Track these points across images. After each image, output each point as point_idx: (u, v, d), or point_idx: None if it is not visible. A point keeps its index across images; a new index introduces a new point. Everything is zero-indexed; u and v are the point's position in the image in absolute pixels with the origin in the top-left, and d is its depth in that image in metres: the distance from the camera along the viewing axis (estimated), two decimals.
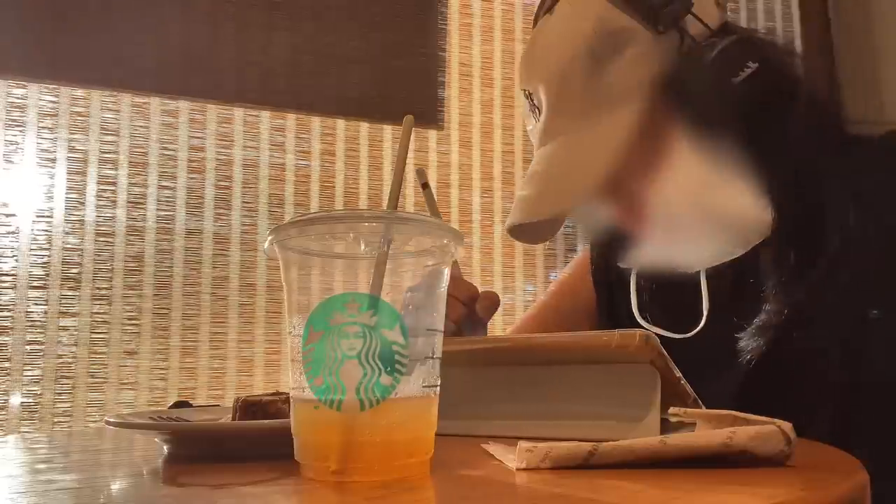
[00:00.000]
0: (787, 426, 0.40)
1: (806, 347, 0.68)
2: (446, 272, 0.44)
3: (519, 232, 0.77)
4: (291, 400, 0.42)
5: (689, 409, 0.48)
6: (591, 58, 0.70)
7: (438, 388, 0.42)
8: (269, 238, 0.42)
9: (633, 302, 0.81)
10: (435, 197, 0.80)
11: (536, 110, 0.75)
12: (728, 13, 0.74)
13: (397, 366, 0.39)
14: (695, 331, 0.75)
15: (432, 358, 0.41)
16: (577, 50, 0.71)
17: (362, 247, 0.41)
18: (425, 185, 0.81)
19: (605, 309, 0.92)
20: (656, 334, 0.74)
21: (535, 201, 0.73)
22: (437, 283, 0.43)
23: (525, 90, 0.78)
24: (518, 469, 0.41)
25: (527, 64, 0.78)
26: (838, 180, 0.69)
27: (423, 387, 0.41)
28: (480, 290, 0.79)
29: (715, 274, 0.75)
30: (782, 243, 0.69)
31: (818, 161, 0.69)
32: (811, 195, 0.69)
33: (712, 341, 0.75)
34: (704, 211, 0.68)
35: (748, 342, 0.70)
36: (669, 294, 0.81)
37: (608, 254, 0.90)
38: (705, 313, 0.74)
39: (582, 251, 1.00)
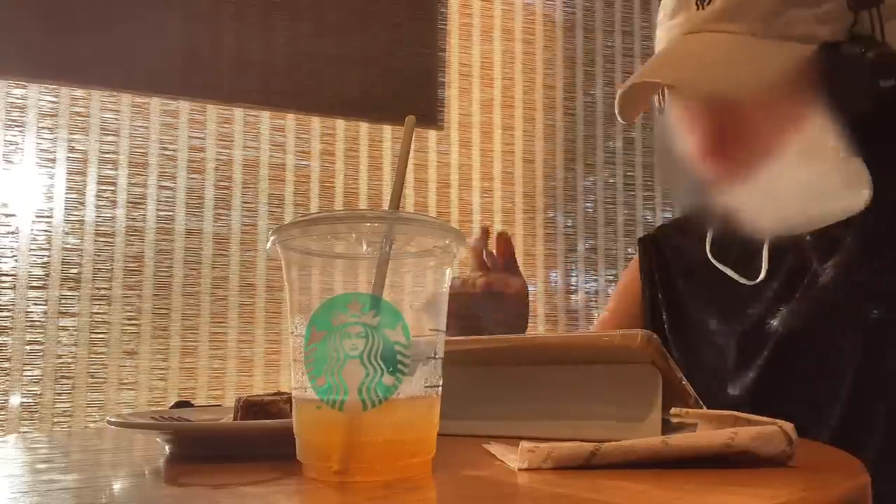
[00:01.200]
0: (788, 426, 0.40)
1: (826, 345, 0.69)
2: (448, 272, 0.44)
3: (627, 98, 0.77)
4: (294, 400, 0.42)
5: (690, 410, 0.48)
6: None
7: (440, 388, 0.42)
8: (272, 238, 0.42)
9: (707, 240, 0.84)
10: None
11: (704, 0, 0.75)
12: None
13: (399, 366, 0.38)
14: (759, 279, 0.77)
15: (434, 358, 0.41)
16: None
17: (364, 247, 0.41)
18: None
19: (650, 303, 0.92)
20: (727, 275, 0.79)
21: (672, 66, 0.73)
22: (438, 284, 0.43)
23: None
24: (520, 469, 0.41)
25: None
26: None
27: (426, 387, 0.40)
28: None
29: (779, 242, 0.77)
30: (860, 234, 0.71)
31: None
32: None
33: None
34: (802, 177, 0.71)
35: (785, 321, 0.73)
36: (736, 245, 0.84)
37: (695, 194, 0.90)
38: (765, 267, 0.77)
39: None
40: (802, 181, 0.71)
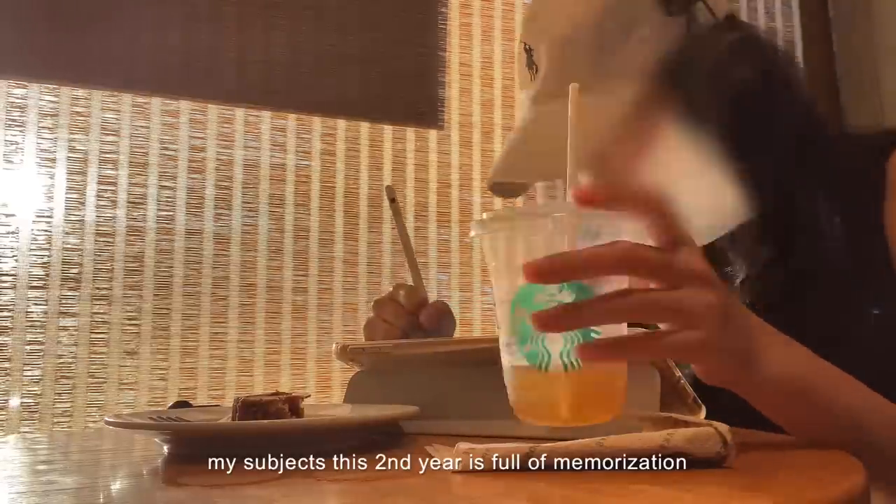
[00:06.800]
0: (724, 428, 0.40)
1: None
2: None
3: (499, 188, 0.81)
4: (504, 363, 0.47)
5: (643, 413, 0.48)
6: (600, 31, 0.71)
7: None
8: (477, 231, 0.49)
9: None
10: (402, 213, 0.84)
11: (534, 67, 0.77)
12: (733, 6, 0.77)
13: (592, 335, 0.44)
14: None
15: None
16: (587, 19, 0.72)
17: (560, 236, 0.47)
18: (393, 201, 0.85)
19: None
20: None
21: (522, 164, 0.75)
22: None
23: (525, 44, 0.78)
24: (454, 471, 0.41)
25: (533, 18, 0.79)
26: (814, 177, 0.71)
27: None
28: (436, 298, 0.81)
29: None
30: (754, 238, 0.71)
31: (799, 164, 0.71)
32: (787, 195, 0.70)
33: None
34: (681, 198, 0.70)
35: None
36: None
37: None
38: None
39: None
40: (688, 198, 0.71)
